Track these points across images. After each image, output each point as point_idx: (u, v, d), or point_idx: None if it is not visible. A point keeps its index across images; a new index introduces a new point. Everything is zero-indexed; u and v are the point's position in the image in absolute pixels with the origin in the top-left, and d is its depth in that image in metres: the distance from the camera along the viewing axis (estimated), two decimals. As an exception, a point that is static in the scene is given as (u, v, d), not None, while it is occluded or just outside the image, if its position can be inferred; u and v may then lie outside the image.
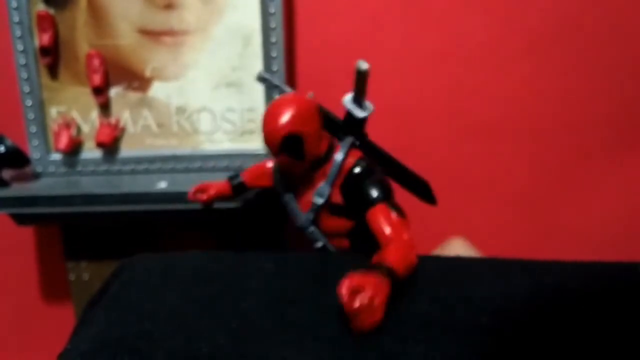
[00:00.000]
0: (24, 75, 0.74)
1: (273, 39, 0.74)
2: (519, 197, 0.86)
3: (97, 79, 0.75)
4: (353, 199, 0.47)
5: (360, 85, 0.48)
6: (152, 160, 0.78)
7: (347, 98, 0.50)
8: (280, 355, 0.36)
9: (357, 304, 0.36)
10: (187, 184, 0.73)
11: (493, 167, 0.84)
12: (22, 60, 0.74)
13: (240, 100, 0.77)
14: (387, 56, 0.81)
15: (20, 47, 0.73)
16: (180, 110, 0.77)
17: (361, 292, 0.36)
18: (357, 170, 0.48)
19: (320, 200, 0.48)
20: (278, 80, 0.60)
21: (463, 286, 0.43)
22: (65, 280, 0.83)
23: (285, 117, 0.45)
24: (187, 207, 0.71)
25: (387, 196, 0.47)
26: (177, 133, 0.78)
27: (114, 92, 0.77)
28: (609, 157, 0.84)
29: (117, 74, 0.76)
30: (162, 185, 0.72)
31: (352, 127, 0.51)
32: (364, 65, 0.46)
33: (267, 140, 0.46)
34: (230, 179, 0.60)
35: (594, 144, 0.84)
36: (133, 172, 0.78)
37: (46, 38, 0.73)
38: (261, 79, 0.58)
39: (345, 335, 0.37)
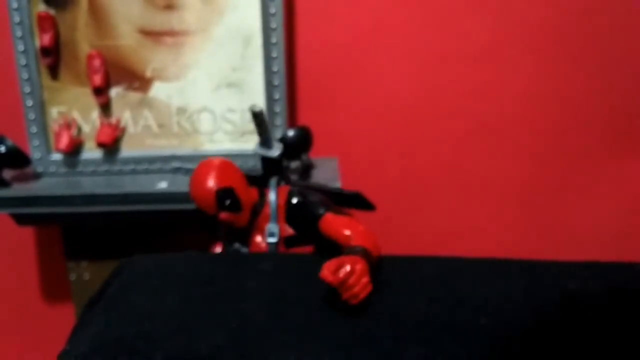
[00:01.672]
0: (25, 75, 0.74)
1: (273, 40, 0.74)
2: (519, 197, 0.86)
3: (97, 80, 0.75)
4: (302, 226, 0.51)
5: (261, 126, 0.53)
6: (152, 160, 0.78)
7: (256, 145, 0.56)
8: (280, 355, 0.36)
9: (340, 274, 0.38)
10: (187, 184, 0.73)
11: (493, 167, 0.84)
12: (23, 61, 0.74)
13: (240, 100, 0.77)
14: (387, 56, 0.81)
15: (21, 47, 0.73)
16: (181, 110, 0.77)
17: (341, 267, 0.39)
18: (294, 200, 0.52)
19: (274, 239, 0.52)
20: (268, 124, 0.59)
21: (463, 286, 0.43)
22: (65, 280, 0.83)
23: (212, 176, 0.51)
24: (187, 207, 0.71)
25: (329, 207, 0.50)
26: (177, 133, 0.78)
27: (114, 92, 0.77)
28: (609, 157, 0.84)
29: (117, 75, 0.76)
30: (163, 185, 0.73)
31: (272, 168, 0.56)
32: (256, 107, 0.52)
33: (201, 202, 0.50)
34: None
35: (594, 144, 0.84)
36: (133, 172, 0.78)
37: (47, 39, 0.73)
38: (256, 114, 0.55)
39: (345, 336, 0.37)
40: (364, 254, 0.42)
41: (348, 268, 0.39)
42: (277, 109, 0.75)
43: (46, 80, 0.76)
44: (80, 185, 0.75)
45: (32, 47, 0.74)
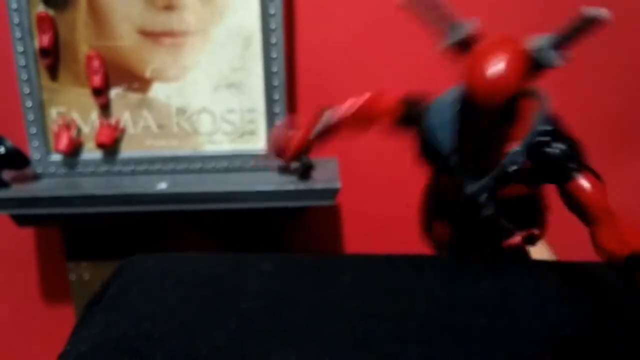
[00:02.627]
0: (24, 76, 0.74)
1: (273, 40, 0.74)
2: (519, 197, 0.86)
3: (97, 80, 0.75)
4: (539, 165, 0.40)
5: (578, 31, 0.40)
6: (152, 161, 0.78)
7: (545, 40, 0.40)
8: (280, 355, 0.36)
9: None
10: (187, 184, 0.73)
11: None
12: (22, 62, 0.74)
13: (240, 101, 0.77)
14: (387, 56, 0.81)
15: (20, 48, 0.73)
16: (181, 111, 0.77)
17: None
18: (546, 127, 0.41)
19: (512, 167, 0.39)
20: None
21: (462, 286, 0.43)
22: (65, 280, 0.83)
23: (512, 70, 0.36)
24: (187, 207, 0.71)
25: (584, 160, 0.41)
26: (177, 134, 0.78)
27: (114, 93, 0.77)
28: (609, 158, 0.84)
29: (117, 75, 0.76)
30: (162, 186, 0.73)
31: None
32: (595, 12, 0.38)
33: (486, 97, 0.36)
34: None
35: (594, 144, 0.84)
36: (133, 173, 0.78)
37: (46, 39, 0.73)
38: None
39: (345, 336, 0.37)
40: None
41: None
42: (277, 109, 0.75)
43: (45, 81, 0.76)
44: (80, 186, 0.75)
45: (32, 48, 0.74)
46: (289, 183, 0.72)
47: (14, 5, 0.72)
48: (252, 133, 0.78)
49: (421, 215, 0.49)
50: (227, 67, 0.76)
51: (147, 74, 0.76)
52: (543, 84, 0.83)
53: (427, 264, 0.47)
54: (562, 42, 0.40)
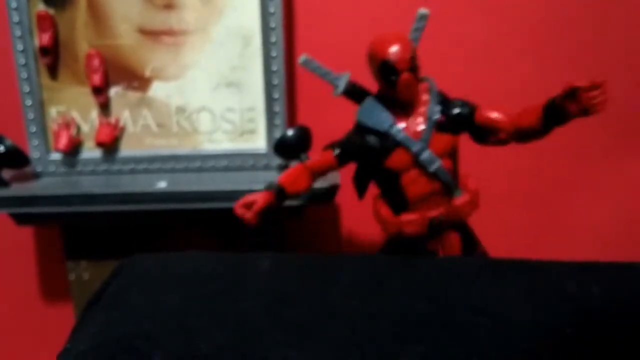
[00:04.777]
0: (24, 75, 0.74)
1: (273, 39, 0.74)
2: (519, 197, 0.86)
3: (96, 79, 0.75)
4: (450, 114, 0.57)
5: (417, 32, 0.60)
6: (151, 160, 0.78)
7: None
8: (280, 355, 0.36)
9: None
10: (187, 183, 0.73)
11: (493, 167, 0.84)
12: (22, 60, 0.74)
13: (239, 100, 0.77)
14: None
15: (20, 47, 0.73)
16: (180, 110, 0.77)
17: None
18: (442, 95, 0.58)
19: (436, 115, 0.56)
20: (320, 64, 0.62)
21: (462, 286, 0.43)
22: (65, 280, 0.83)
23: (406, 38, 0.56)
24: (186, 206, 0.71)
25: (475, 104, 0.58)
26: (176, 133, 0.78)
27: (113, 92, 0.77)
28: (609, 157, 0.84)
29: (116, 74, 0.76)
30: (162, 185, 0.72)
31: None
32: (424, 10, 0.61)
33: (399, 53, 0.54)
34: (269, 188, 0.59)
35: (593, 145, 0.84)
36: (133, 171, 0.78)
37: (46, 38, 0.73)
38: (306, 62, 0.61)
39: (345, 336, 0.37)
40: None
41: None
42: (277, 108, 0.75)
43: (45, 79, 0.76)
44: (80, 184, 0.75)
45: (31, 46, 0.74)
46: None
47: (14, 4, 0.72)
48: (251, 132, 0.78)
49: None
50: (227, 66, 0.76)
51: (147, 73, 0.76)
52: (544, 85, 0.83)
53: (426, 264, 0.47)
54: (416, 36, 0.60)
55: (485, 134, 0.57)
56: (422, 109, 0.56)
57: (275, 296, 0.42)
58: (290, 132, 0.70)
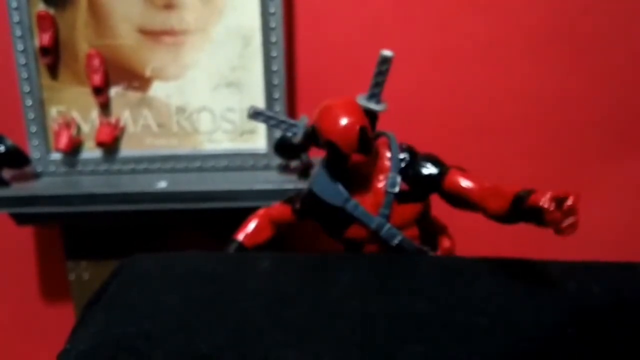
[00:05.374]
0: (24, 74, 0.74)
1: (273, 39, 0.74)
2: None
3: (97, 79, 0.75)
4: (415, 181, 0.50)
5: (383, 75, 0.49)
6: (152, 160, 0.78)
7: (361, 97, 0.50)
8: (280, 355, 0.36)
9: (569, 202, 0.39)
10: (187, 183, 0.73)
11: (492, 167, 0.84)
12: (22, 60, 0.74)
13: (240, 100, 0.77)
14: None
15: (20, 47, 0.73)
16: (180, 110, 0.77)
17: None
18: (404, 153, 0.51)
19: (395, 189, 0.49)
20: (273, 112, 0.57)
21: (462, 286, 0.43)
22: (65, 280, 0.83)
23: (353, 113, 0.47)
24: (186, 206, 0.71)
25: (444, 163, 0.51)
26: (177, 133, 0.78)
27: (114, 91, 0.77)
28: (609, 157, 0.84)
29: (117, 74, 0.76)
30: (162, 184, 0.73)
31: (372, 123, 0.51)
32: (387, 52, 0.49)
33: (344, 137, 0.46)
34: (227, 248, 0.54)
35: (593, 144, 0.84)
36: (133, 171, 0.78)
37: (46, 38, 0.73)
38: (255, 114, 0.52)
39: (345, 336, 0.37)
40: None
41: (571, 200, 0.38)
42: (277, 108, 0.75)
43: (45, 79, 0.76)
44: (80, 184, 0.75)
45: (32, 46, 0.74)
46: (289, 182, 0.72)
47: (14, 4, 0.72)
48: (252, 132, 0.78)
49: None
50: (227, 66, 0.76)
51: (147, 73, 0.76)
52: (544, 85, 0.83)
53: (427, 263, 0.47)
54: (375, 91, 0.50)
55: (453, 200, 0.50)
56: (380, 178, 0.49)
57: (275, 296, 0.42)
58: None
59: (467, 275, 0.45)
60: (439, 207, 0.58)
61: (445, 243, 0.54)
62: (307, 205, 0.52)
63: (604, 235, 0.87)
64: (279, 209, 0.54)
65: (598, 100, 0.82)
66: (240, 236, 0.53)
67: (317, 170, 0.52)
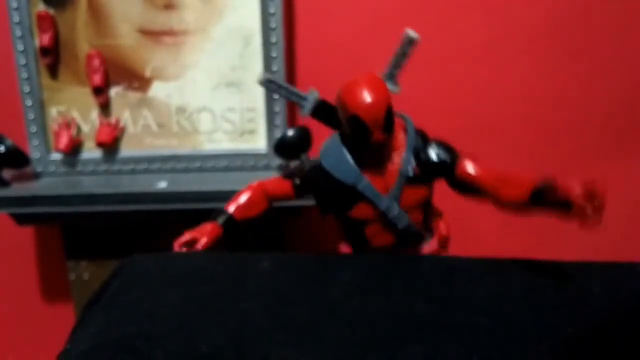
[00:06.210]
0: (24, 75, 0.74)
1: (273, 39, 0.74)
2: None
3: (97, 79, 0.75)
4: (427, 165, 0.49)
5: (404, 57, 0.50)
6: (151, 160, 0.78)
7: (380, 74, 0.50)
8: (280, 355, 0.36)
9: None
10: (187, 183, 0.73)
11: (491, 166, 0.84)
12: (22, 60, 0.74)
13: (240, 100, 0.77)
14: (387, 55, 0.81)
15: (20, 47, 0.73)
16: (180, 110, 0.77)
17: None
18: (418, 137, 0.50)
19: (410, 169, 0.48)
20: (284, 82, 0.54)
21: (462, 286, 0.43)
22: (65, 280, 0.83)
23: (380, 89, 0.46)
24: (186, 206, 0.71)
25: (456, 150, 0.50)
26: (177, 133, 0.78)
27: (114, 92, 0.77)
28: (608, 157, 0.84)
29: (117, 74, 0.76)
30: (162, 185, 0.73)
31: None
32: (413, 34, 0.49)
33: (371, 112, 0.45)
34: (216, 218, 0.52)
35: (593, 144, 0.84)
36: (133, 172, 0.78)
37: (46, 38, 0.73)
38: (267, 82, 0.52)
39: (345, 336, 0.37)
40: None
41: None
42: (277, 108, 0.75)
43: (46, 79, 0.76)
44: (80, 184, 0.75)
45: (32, 46, 0.74)
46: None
47: (15, 4, 0.72)
48: (252, 132, 0.78)
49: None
50: (227, 66, 0.76)
51: (147, 73, 0.76)
52: (543, 85, 0.83)
53: (427, 263, 0.47)
54: (394, 71, 0.51)
55: (463, 187, 0.50)
56: (394, 159, 0.49)
57: (275, 296, 0.42)
58: (290, 132, 0.70)
59: (467, 275, 0.45)
60: (438, 201, 0.58)
61: (442, 229, 0.54)
62: (312, 180, 0.51)
63: (604, 235, 0.87)
64: (275, 184, 0.52)
65: (598, 100, 0.82)
66: (232, 208, 0.52)
67: (327, 145, 0.50)
